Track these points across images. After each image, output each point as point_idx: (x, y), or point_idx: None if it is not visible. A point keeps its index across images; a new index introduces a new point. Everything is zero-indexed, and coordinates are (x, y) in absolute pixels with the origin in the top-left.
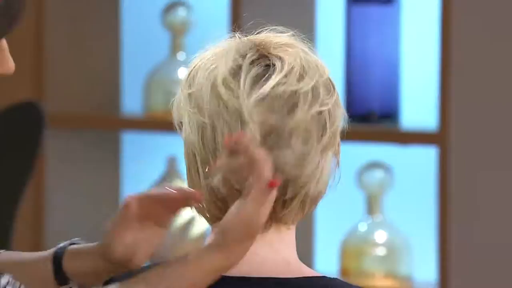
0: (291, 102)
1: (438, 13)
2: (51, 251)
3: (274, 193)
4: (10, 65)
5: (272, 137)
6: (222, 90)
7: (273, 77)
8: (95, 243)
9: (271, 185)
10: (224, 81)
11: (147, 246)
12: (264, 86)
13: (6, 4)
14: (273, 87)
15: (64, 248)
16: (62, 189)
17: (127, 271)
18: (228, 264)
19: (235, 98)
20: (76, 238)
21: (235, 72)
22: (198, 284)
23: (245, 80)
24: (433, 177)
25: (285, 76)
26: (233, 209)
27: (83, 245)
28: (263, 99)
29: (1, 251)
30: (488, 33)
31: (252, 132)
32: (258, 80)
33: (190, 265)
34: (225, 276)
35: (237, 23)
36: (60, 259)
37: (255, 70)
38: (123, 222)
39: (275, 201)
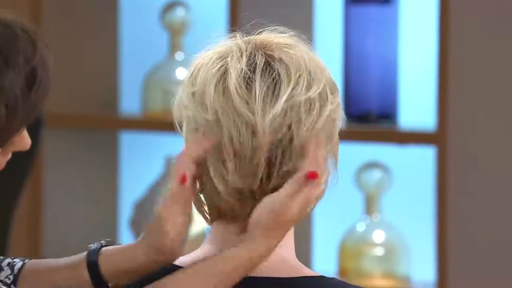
0: (301, 113)
1: (436, 13)
2: (81, 256)
3: (312, 188)
4: (26, 142)
5: (280, 147)
6: (236, 98)
7: (282, 92)
8: (129, 243)
9: (310, 176)
10: (237, 89)
11: (185, 234)
12: (276, 105)
13: (27, 96)
14: (285, 101)
15: (96, 251)
16: (60, 189)
17: (164, 268)
18: (256, 256)
19: (250, 113)
20: (106, 239)
21: (245, 80)
22: (228, 279)
23: (258, 95)
24: (431, 177)
25: (294, 88)
26: (265, 199)
27: (117, 245)
28: (275, 116)
29: (26, 260)
30: (486, 33)
31: (262, 144)
32: (270, 94)
33: (219, 261)
34: None
35: (235, 23)
36: (96, 263)
37: (265, 84)
38: (178, 205)
39: None
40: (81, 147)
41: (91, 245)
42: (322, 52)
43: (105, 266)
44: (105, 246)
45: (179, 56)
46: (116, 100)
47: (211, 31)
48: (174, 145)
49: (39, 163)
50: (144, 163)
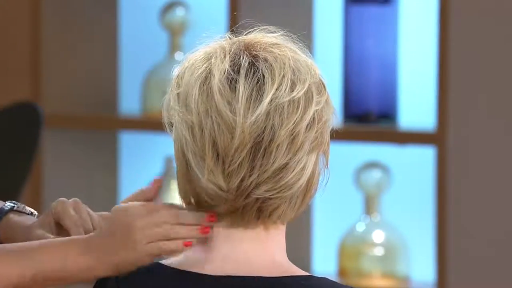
0: (284, 114)
1: (436, 13)
2: None
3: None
4: None
5: (262, 147)
6: (218, 99)
7: (265, 93)
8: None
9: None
10: (220, 90)
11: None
12: (260, 106)
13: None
14: (268, 103)
15: (3, 212)
16: (60, 190)
17: None
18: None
19: (232, 114)
20: (21, 204)
21: (228, 80)
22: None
23: (242, 96)
24: (431, 177)
25: (277, 89)
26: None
27: (23, 217)
28: (258, 117)
29: None
30: (486, 33)
31: (244, 145)
32: (254, 95)
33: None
34: (208, 275)
35: (235, 23)
36: None
37: (249, 85)
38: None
39: (256, 200)
40: (81, 147)
41: (6, 203)
42: (322, 52)
43: (2, 230)
44: (17, 210)
45: (179, 56)
46: (116, 100)
47: (210, 31)
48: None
49: (39, 163)
50: (144, 163)
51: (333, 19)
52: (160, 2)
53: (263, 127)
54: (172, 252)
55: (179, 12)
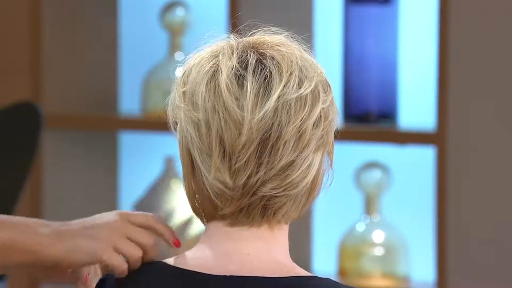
0: (291, 110)
1: (436, 13)
2: None
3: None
4: None
5: (269, 144)
6: (226, 95)
7: (273, 90)
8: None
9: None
10: (227, 86)
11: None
12: (267, 103)
13: None
14: (276, 100)
15: None
16: (60, 190)
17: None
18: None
19: (240, 110)
20: None
21: (236, 76)
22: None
23: (250, 93)
24: (431, 177)
25: (285, 86)
26: None
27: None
28: (265, 114)
29: None
30: (486, 34)
31: (251, 141)
32: (262, 92)
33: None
34: (211, 274)
35: (235, 23)
36: None
37: (257, 82)
38: None
39: (262, 198)
40: (81, 148)
41: None
42: (322, 52)
43: None
44: None
45: (179, 56)
46: (116, 100)
47: (211, 31)
48: (174, 145)
49: (39, 163)
50: (144, 163)
51: (333, 19)
52: (160, 2)
53: (271, 124)
54: (114, 267)
55: (179, 12)
